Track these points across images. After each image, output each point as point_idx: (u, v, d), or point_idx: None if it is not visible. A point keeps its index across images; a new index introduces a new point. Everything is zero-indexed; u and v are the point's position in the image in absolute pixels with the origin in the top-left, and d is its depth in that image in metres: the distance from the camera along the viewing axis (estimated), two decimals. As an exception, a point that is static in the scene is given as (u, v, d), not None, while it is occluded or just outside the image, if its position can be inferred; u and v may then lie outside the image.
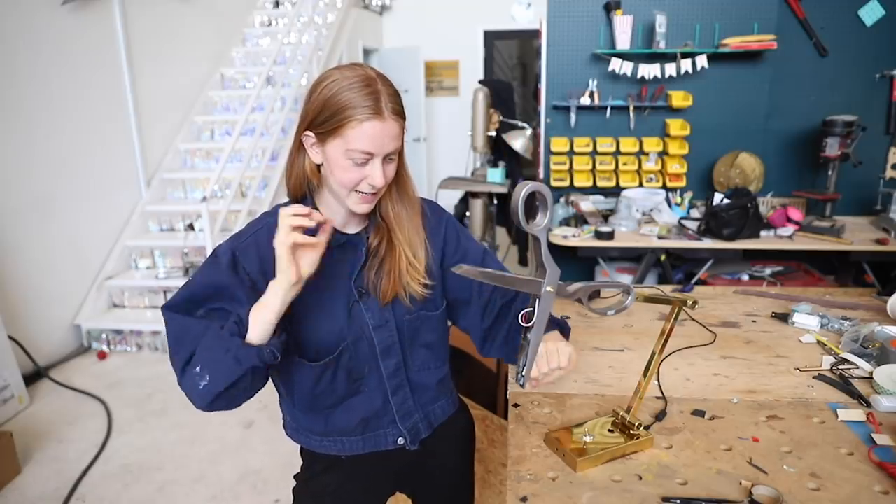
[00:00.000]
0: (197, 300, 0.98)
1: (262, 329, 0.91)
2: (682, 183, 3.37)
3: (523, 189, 0.85)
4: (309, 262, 0.91)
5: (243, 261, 0.99)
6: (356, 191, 0.98)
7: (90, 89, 3.86)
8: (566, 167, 3.41)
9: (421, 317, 1.12)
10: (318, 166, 1.00)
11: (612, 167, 3.40)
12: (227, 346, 0.90)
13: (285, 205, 1.07)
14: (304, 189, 1.04)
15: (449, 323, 1.23)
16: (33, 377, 3.31)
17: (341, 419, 1.12)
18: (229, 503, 2.31)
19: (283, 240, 0.87)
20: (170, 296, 3.98)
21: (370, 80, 0.94)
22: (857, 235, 2.92)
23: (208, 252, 3.64)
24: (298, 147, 1.01)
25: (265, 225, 1.03)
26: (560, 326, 1.15)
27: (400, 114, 0.96)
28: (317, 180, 1.02)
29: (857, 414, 1.11)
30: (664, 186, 3.37)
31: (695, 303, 0.99)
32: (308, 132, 0.97)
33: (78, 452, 2.65)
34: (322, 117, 0.94)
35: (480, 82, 4.00)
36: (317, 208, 1.05)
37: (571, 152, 3.42)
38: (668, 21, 3.14)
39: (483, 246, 1.22)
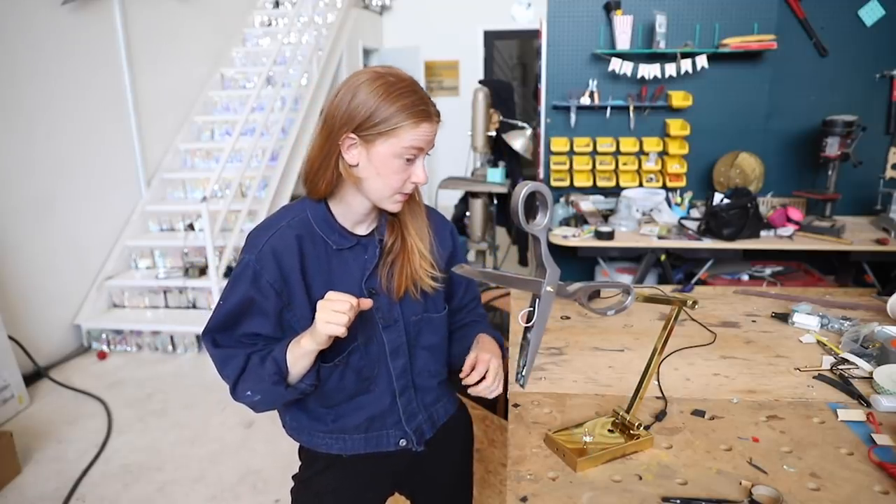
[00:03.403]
0: (233, 316, 1.04)
1: (300, 370, 1.01)
2: (682, 183, 3.37)
3: (523, 189, 0.85)
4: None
5: (265, 274, 1.02)
6: (399, 192, 1.01)
7: (90, 89, 3.86)
8: (566, 167, 3.41)
9: (425, 319, 1.14)
10: (351, 167, 1.00)
11: (612, 167, 3.40)
12: (271, 389, 1.01)
13: (294, 206, 1.08)
14: (332, 190, 1.04)
15: None
16: (33, 377, 3.31)
17: (348, 416, 1.13)
18: (229, 503, 2.31)
19: (330, 333, 0.93)
20: (170, 296, 4.03)
21: (415, 86, 0.98)
22: (857, 235, 2.92)
23: (208, 252, 3.68)
24: (336, 151, 0.99)
25: (278, 230, 1.04)
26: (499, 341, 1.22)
27: (439, 115, 1.01)
28: (351, 180, 1.01)
29: (857, 414, 1.11)
30: (664, 186, 3.37)
31: (695, 303, 0.99)
32: (351, 134, 0.97)
33: (78, 452, 2.65)
34: (373, 120, 0.95)
35: (480, 82, 4.00)
36: (329, 210, 1.06)
37: (571, 152, 3.42)
38: (668, 21, 3.14)
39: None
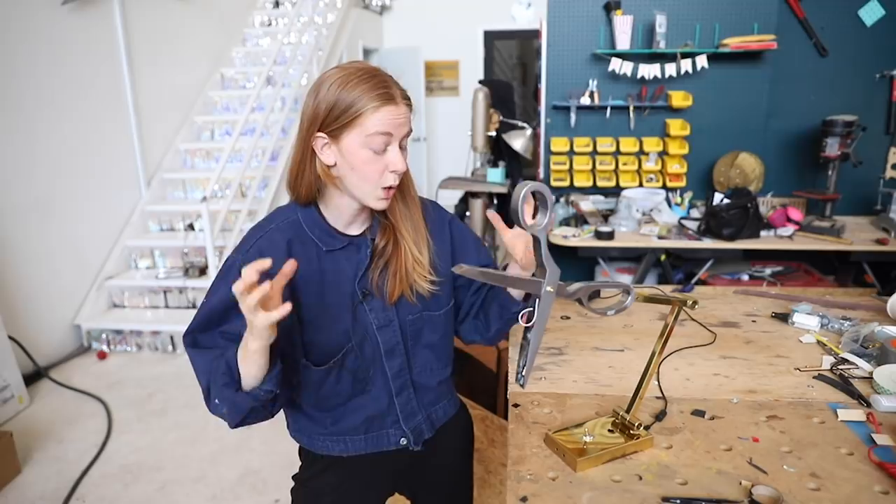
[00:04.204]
0: (214, 318, 1.01)
1: (251, 376, 0.91)
2: (682, 183, 3.37)
3: (523, 189, 0.85)
4: (274, 305, 0.85)
5: None
6: (380, 186, 0.98)
7: (90, 89, 3.86)
8: (566, 167, 3.41)
9: (424, 317, 1.12)
10: (329, 168, 0.99)
11: (612, 167, 3.40)
12: (227, 394, 0.93)
13: (285, 208, 1.07)
14: (314, 195, 1.03)
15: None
16: (33, 377, 3.31)
17: (346, 418, 1.12)
18: (229, 503, 2.31)
19: (247, 309, 0.83)
20: (170, 296, 4.02)
21: (375, 71, 0.96)
22: (857, 235, 2.92)
23: (208, 252, 3.68)
24: (310, 153, 0.98)
25: (266, 233, 1.03)
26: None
27: (408, 99, 0.98)
28: (330, 182, 1.00)
29: (857, 414, 1.11)
30: (664, 186, 3.37)
31: (695, 303, 0.99)
32: (319, 133, 0.96)
33: (78, 452, 2.65)
34: (335, 113, 0.93)
35: (480, 82, 4.00)
36: (322, 215, 1.05)
37: (571, 152, 3.42)
38: (668, 21, 3.14)
39: (477, 237, 1.25)
